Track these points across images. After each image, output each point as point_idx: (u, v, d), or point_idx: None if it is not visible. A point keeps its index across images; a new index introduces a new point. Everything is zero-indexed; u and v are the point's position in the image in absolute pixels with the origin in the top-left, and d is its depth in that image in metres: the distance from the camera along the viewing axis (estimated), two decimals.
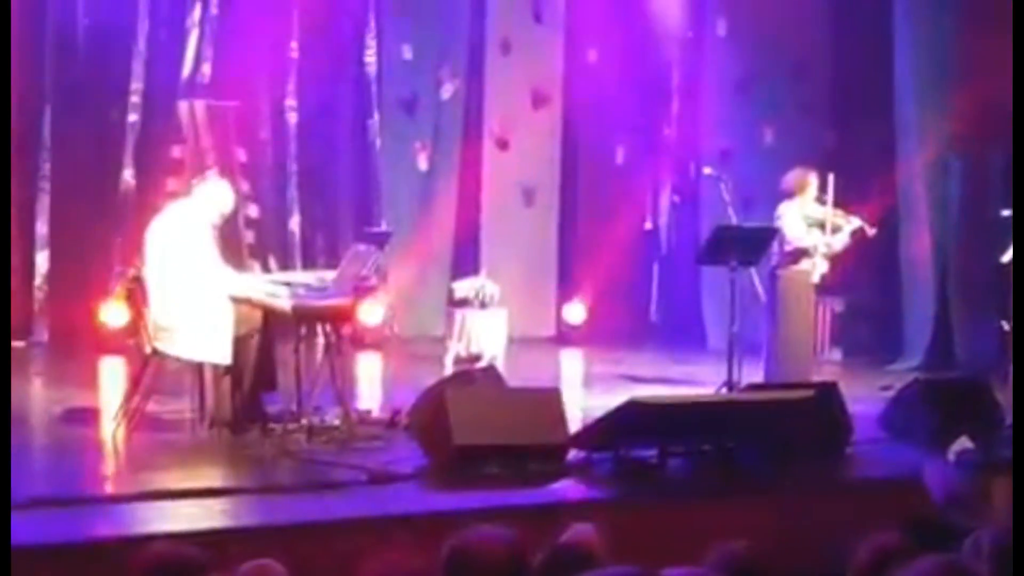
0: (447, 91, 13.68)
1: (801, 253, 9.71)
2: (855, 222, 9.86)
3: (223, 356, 7.69)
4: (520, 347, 11.86)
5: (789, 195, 9.80)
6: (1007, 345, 9.79)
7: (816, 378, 9.44)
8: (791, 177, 9.86)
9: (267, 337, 7.99)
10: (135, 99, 12.28)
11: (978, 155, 11.93)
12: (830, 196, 9.74)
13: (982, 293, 11.28)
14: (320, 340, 8.38)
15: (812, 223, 9.76)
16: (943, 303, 12.06)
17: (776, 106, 13.10)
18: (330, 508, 6.39)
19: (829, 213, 9.76)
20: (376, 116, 13.36)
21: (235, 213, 12.46)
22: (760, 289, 9.71)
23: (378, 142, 13.38)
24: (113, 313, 11.52)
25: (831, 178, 9.75)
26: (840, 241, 9.83)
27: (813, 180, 9.80)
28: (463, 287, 11.46)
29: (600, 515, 5.53)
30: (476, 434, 7.01)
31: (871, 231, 9.95)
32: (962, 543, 4.28)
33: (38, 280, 12.12)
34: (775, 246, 9.74)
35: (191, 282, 7.69)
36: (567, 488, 7.03)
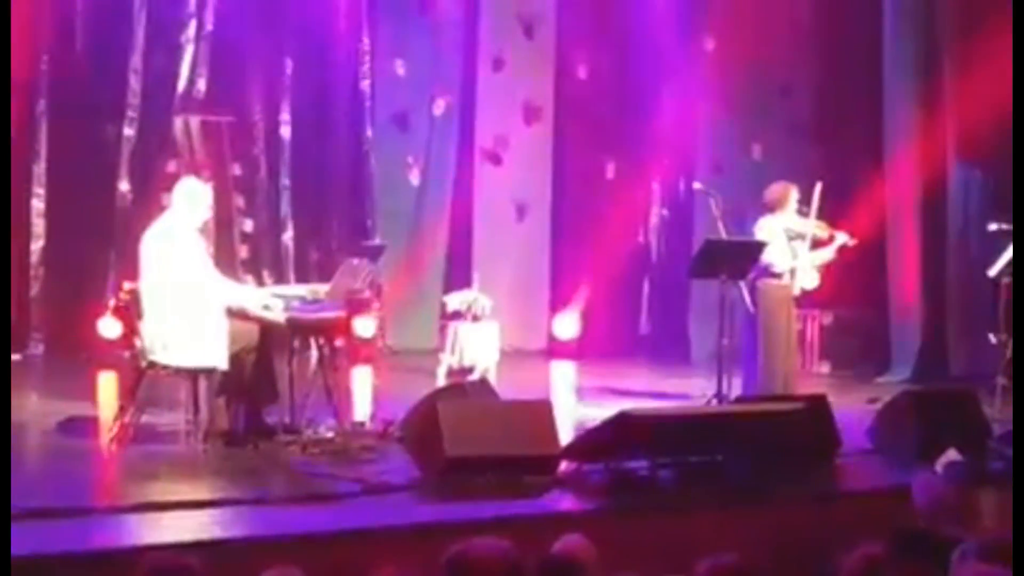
0: (440, 107, 13.75)
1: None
2: (839, 238, 9.91)
3: (219, 361, 7.71)
4: (512, 360, 11.91)
5: (771, 209, 9.84)
6: (998, 358, 9.85)
7: (802, 390, 9.50)
8: (772, 191, 9.90)
9: (265, 350, 8.02)
10: (131, 114, 12.36)
11: (973, 168, 12.00)
12: (814, 207, 9.78)
13: (979, 306, 11.34)
14: (314, 353, 8.43)
15: (793, 236, 9.80)
16: (932, 316, 12.12)
17: (764, 122, 13.18)
18: (324, 519, 6.43)
19: (811, 225, 9.80)
20: (369, 131, 13.44)
21: (229, 227, 12.62)
22: (749, 302, 9.77)
23: (371, 157, 13.45)
24: (108, 326, 11.57)
25: (818, 187, 9.78)
26: (822, 257, 9.90)
27: (794, 193, 9.84)
28: (455, 300, 11.50)
29: (591, 526, 5.57)
30: (468, 446, 7.04)
31: (852, 242, 9.99)
32: (949, 555, 4.35)
33: (33, 292, 12.17)
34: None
35: (185, 292, 7.72)
36: (559, 500, 7.06)
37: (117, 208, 12.30)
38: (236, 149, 12.71)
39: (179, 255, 7.76)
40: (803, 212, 9.78)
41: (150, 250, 7.85)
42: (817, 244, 9.86)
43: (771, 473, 7.45)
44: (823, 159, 12.56)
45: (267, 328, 7.95)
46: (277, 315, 7.91)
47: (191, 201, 7.97)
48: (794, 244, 9.79)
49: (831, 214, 10.10)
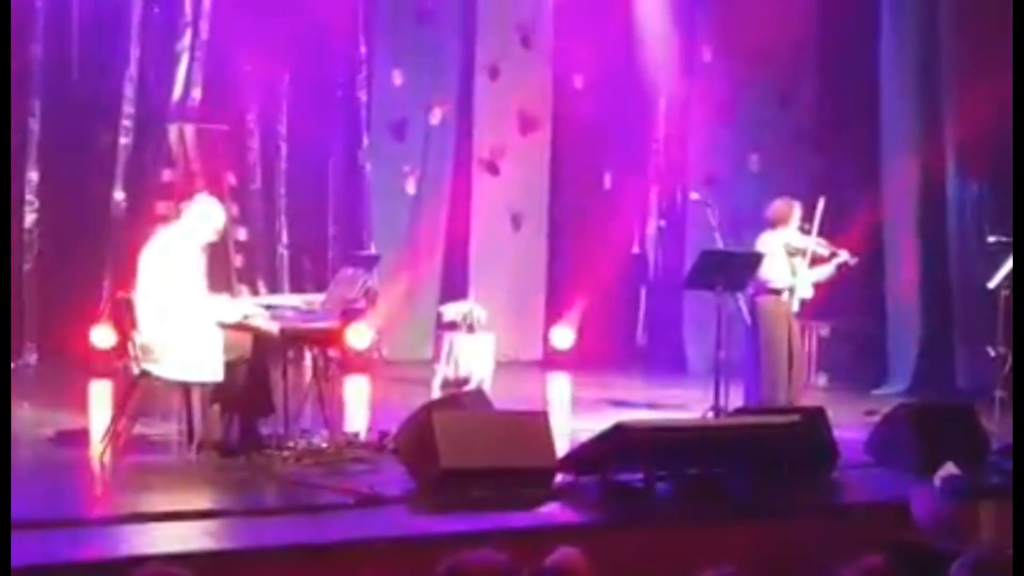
0: (436, 116, 13.74)
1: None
2: (841, 255, 9.89)
3: (213, 374, 7.68)
4: (507, 371, 11.89)
5: (772, 225, 9.84)
6: (997, 371, 9.82)
7: (801, 403, 9.47)
8: (775, 207, 9.89)
9: (259, 362, 7.97)
10: (126, 123, 12.34)
11: (971, 179, 11.98)
12: (816, 224, 9.77)
13: (978, 318, 11.31)
14: (308, 363, 8.38)
15: (794, 252, 9.78)
16: (930, 327, 12.10)
17: (762, 132, 13.17)
18: (317, 531, 6.39)
19: (812, 243, 9.78)
20: (365, 140, 13.42)
21: (224, 236, 12.58)
22: (746, 313, 9.74)
23: (367, 166, 13.43)
24: (102, 335, 11.54)
25: (821, 202, 9.76)
26: (821, 274, 9.88)
27: (797, 211, 9.84)
28: (451, 311, 11.49)
29: (587, 539, 5.55)
30: (463, 457, 7.02)
31: (853, 261, 9.99)
32: (947, 568, 4.32)
33: (27, 301, 12.12)
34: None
35: (179, 305, 7.69)
36: (554, 512, 7.03)
37: (112, 216, 12.27)
38: (231, 158, 12.69)
39: (176, 269, 7.73)
40: (805, 229, 9.77)
41: (148, 262, 7.81)
42: (816, 261, 9.84)
43: (769, 486, 7.43)
44: (821, 170, 12.56)
45: (261, 338, 7.91)
46: (271, 325, 7.87)
47: (202, 221, 7.96)
48: (794, 260, 9.77)
49: (828, 225, 10.08)
